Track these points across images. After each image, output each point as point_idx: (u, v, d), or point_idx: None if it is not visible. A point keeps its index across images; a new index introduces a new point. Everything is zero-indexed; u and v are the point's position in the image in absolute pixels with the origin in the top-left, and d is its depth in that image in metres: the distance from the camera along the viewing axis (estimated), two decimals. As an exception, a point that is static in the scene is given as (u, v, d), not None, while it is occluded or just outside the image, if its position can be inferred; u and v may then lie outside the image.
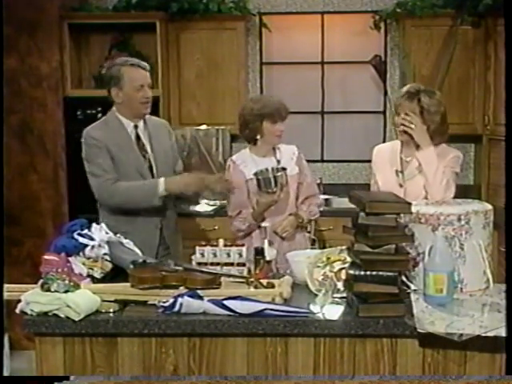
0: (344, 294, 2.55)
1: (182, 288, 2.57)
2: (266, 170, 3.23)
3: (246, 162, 3.42)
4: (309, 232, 3.74)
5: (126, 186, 3.32)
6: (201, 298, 2.48)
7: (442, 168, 3.05)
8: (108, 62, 4.93)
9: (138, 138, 3.44)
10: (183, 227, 4.32)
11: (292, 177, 3.39)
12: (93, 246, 2.84)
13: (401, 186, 3.15)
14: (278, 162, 3.39)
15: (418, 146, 3.11)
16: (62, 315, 2.43)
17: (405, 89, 3.19)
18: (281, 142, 3.45)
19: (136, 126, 3.45)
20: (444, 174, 3.04)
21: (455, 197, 2.93)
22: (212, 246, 2.87)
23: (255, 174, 3.26)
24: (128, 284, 2.61)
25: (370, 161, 3.37)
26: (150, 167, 3.43)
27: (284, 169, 3.26)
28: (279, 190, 3.21)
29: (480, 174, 5.09)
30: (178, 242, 3.63)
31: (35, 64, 4.64)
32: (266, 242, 2.99)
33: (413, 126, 3.06)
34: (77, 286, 2.51)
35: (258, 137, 3.39)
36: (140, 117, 3.45)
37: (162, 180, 3.31)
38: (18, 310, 2.50)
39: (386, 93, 5.30)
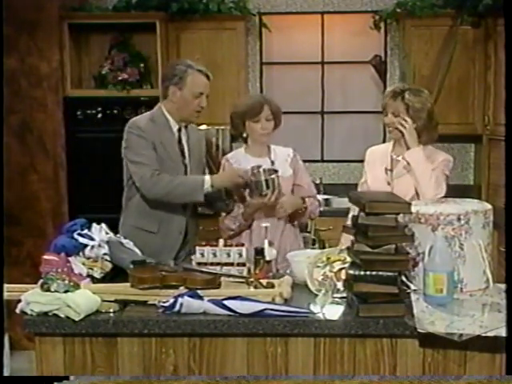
0: (344, 294, 2.55)
1: (182, 288, 2.57)
2: (258, 172, 3.20)
3: (240, 161, 3.41)
4: (309, 232, 3.73)
5: (170, 179, 3.26)
6: (201, 297, 2.48)
7: (430, 167, 3.06)
8: (109, 61, 4.97)
9: (179, 141, 3.42)
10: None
11: (286, 178, 3.37)
12: (93, 246, 2.84)
13: (388, 183, 3.18)
14: (272, 162, 3.38)
15: (407, 146, 3.13)
16: (62, 315, 2.43)
17: (390, 88, 3.24)
18: (271, 140, 3.41)
19: (180, 129, 3.42)
20: (433, 172, 3.05)
21: (455, 197, 2.93)
22: (212, 245, 2.87)
23: (249, 178, 3.24)
24: (128, 284, 2.61)
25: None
26: (185, 172, 3.41)
27: (276, 171, 3.24)
28: (271, 192, 3.19)
29: (480, 174, 5.09)
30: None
31: (35, 64, 4.64)
32: (266, 242, 2.98)
33: (407, 126, 3.08)
34: (77, 286, 2.51)
35: (245, 135, 3.39)
36: (187, 122, 3.43)
37: (207, 177, 3.28)
38: (18, 310, 2.50)
39: (385, 93, 5.30)
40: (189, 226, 3.45)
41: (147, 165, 3.26)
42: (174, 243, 3.39)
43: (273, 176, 3.18)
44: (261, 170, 3.20)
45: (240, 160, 3.42)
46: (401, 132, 3.12)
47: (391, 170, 3.21)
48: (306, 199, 3.40)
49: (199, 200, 3.29)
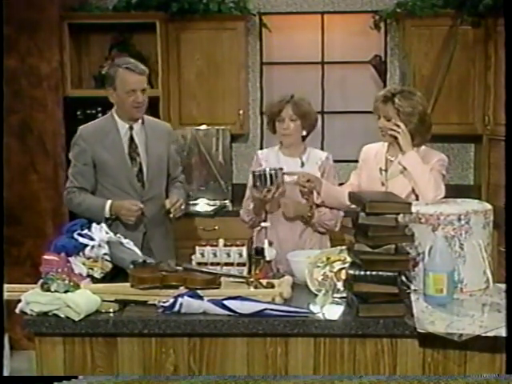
0: (344, 294, 2.55)
1: (182, 288, 2.57)
2: (264, 169, 3.23)
3: (269, 157, 3.43)
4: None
5: (79, 202, 3.40)
6: (201, 297, 2.48)
7: (427, 168, 3.06)
8: (109, 61, 4.96)
9: (131, 139, 3.43)
10: (183, 227, 4.34)
11: None
12: (93, 246, 2.84)
13: (383, 184, 3.17)
14: (303, 163, 3.38)
15: (401, 150, 3.12)
16: (62, 315, 2.43)
17: (381, 92, 3.20)
18: (291, 141, 3.39)
19: (131, 128, 3.44)
20: (431, 173, 3.05)
21: (455, 197, 2.93)
22: (212, 245, 2.88)
23: (253, 172, 3.26)
24: (128, 284, 2.61)
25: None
26: (141, 170, 3.43)
27: (281, 169, 3.25)
28: (275, 187, 3.20)
29: (480, 174, 5.09)
30: (167, 247, 3.54)
31: (35, 64, 4.63)
32: (266, 241, 2.99)
33: (400, 130, 3.08)
34: (77, 286, 2.51)
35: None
36: (132, 120, 3.43)
37: (108, 203, 3.33)
38: (17, 310, 2.50)
39: (385, 93, 5.29)
40: (149, 225, 3.43)
41: (71, 181, 3.44)
42: (135, 243, 3.25)
43: (276, 172, 3.19)
44: (267, 167, 3.21)
45: (269, 156, 3.44)
46: (394, 136, 3.12)
47: (386, 171, 3.20)
48: (317, 208, 3.35)
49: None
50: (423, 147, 3.18)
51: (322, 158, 3.46)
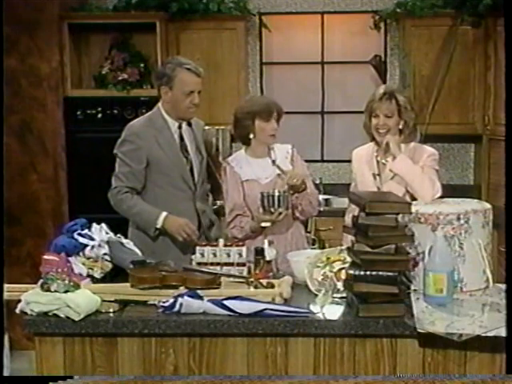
0: (344, 294, 2.55)
1: (182, 288, 2.57)
2: (273, 190, 3.19)
3: (241, 164, 3.40)
4: (309, 232, 3.72)
5: (130, 204, 3.34)
6: (201, 298, 2.48)
7: (419, 169, 3.05)
8: (109, 61, 4.97)
9: (181, 138, 3.44)
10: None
11: None
12: (93, 246, 2.84)
13: (378, 188, 3.17)
14: (273, 162, 3.37)
15: (392, 154, 3.12)
16: (62, 315, 2.43)
17: (381, 91, 3.18)
18: (275, 141, 3.39)
19: (180, 126, 3.44)
20: (424, 173, 3.05)
21: (455, 197, 2.93)
22: (212, 245, 2.88)
23: (261, 193, 3.22)
24: (128, 284, 2.61)
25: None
26: (191, 169, 3.44)
27: (285, 192, 3.21)
28: (284, 209, 3.16)
29: (480, 174, 5.09)
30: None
31: (35, 64, 4.64)
32: (265, 242, 2.98)
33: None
34: (77, 286, 2.51)
35: (251, 136, 3.34)
36: (183, 120, 3.44)
37: (163, 214, 3.30)
38: (17, 310, 2.50)
39: (385, 93, 5.29)
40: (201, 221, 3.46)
41: (122, 180, 3.34)
42: (181, 245, 3.36)
43: (286, 195, 3.16)
44: (275, 191, 3.17)
45: (241, 162, 3.40)
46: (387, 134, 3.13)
47: (379, 175, 3.20)
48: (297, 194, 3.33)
49: (151, 235, 3.33)
50: (413, 143, 3.18)
51: (288, 151, 3.43)
